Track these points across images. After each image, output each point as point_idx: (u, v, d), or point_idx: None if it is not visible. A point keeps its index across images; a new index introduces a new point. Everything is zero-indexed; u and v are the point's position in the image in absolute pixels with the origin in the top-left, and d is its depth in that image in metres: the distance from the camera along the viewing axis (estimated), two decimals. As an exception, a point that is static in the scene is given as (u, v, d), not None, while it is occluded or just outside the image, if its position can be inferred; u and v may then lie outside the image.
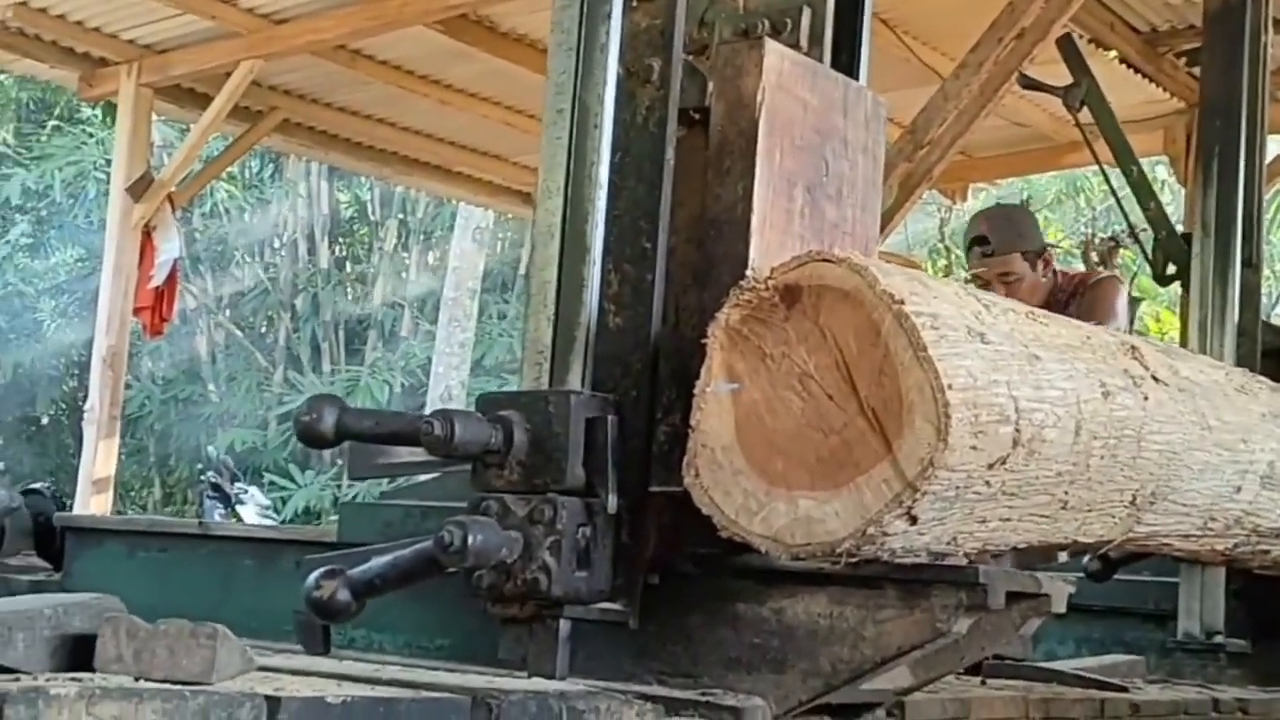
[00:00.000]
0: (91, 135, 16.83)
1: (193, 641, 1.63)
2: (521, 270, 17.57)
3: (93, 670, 1.65)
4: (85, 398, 8.05)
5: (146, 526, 3.61)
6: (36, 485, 3.63)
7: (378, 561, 2.17)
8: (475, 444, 2.17)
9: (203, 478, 14.26)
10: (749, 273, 2.26)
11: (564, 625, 2.21)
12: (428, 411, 2.23)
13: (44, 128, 17.76)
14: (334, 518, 14.43)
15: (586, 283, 2.32)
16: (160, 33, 7.56)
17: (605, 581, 2.22)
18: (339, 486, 15.59)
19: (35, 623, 1.63)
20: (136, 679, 1.61)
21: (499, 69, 7.63)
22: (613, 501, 2.21)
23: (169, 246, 7.84)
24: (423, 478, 2.83)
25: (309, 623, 2.25)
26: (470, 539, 2.06)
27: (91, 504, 7.46)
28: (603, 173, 2.35)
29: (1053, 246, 5.93)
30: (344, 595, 2.14)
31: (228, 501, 13.13)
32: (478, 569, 2.14)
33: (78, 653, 1.68)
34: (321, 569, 2.17)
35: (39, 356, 17.04)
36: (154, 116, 8.29)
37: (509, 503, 2.17)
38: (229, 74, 7.54)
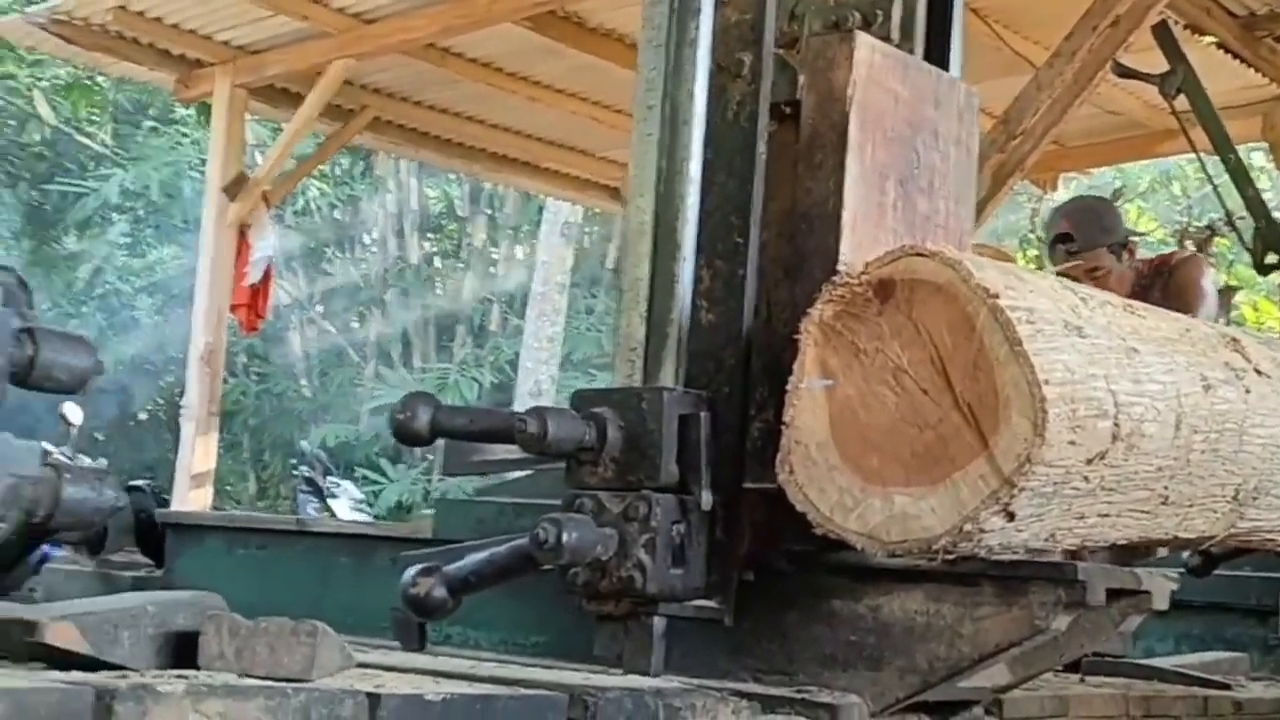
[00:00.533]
0: (186, 135, 17.08)
1: (293, 639, 1.65)
2: (609, 265, 17.60)
3: (196, 667, 1.67)
4: (182, 394, 8.15)
5: (246, 523, 3.66)
6: (138, 482, 3.69)
7: (473, 558, 2.19)
8: (569, 441, 2.17)
9: (296, 472, 14.43)
10: (841, 267, 2.25)
11: (659, 622, 2.22)
12: (516, 407, 2.24)
13: (140, 128, 18.04)
14: (426, 511, 14.54)
15: (678, 279, 2.32)
16: (254, 34, 7.65)
17: (700, 578, 2.22)
18: (430, 481, 15.72)
19: (140, 620, 1.66)
20: (240, 676, 1.63)
21: (587, 64, 7.65)
22: (707, 498, 2.21)
23: (263, 245, 7.93)
24: (516, 475, 2.85)
25: (405, 620, 2.27)
26: (565, 536, 2.07)
27: (190, 499, 7.57)
28: (694, 169, 2.34)
29: (1139, 236, 5.82)
30: (440, 592, 2.15)
31: (321, 495, 13.27)
32: (573, 566, 2.14)
33: (181, 650, 1.71)
34: (418, 566, 2.19)
35: (137, 353, 17.33)
36: (247, 116, 8.39)
37: (603, 500, 2.18)
38: (320, 73, 7.61)
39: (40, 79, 17.29)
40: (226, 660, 1.65)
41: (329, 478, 13.61)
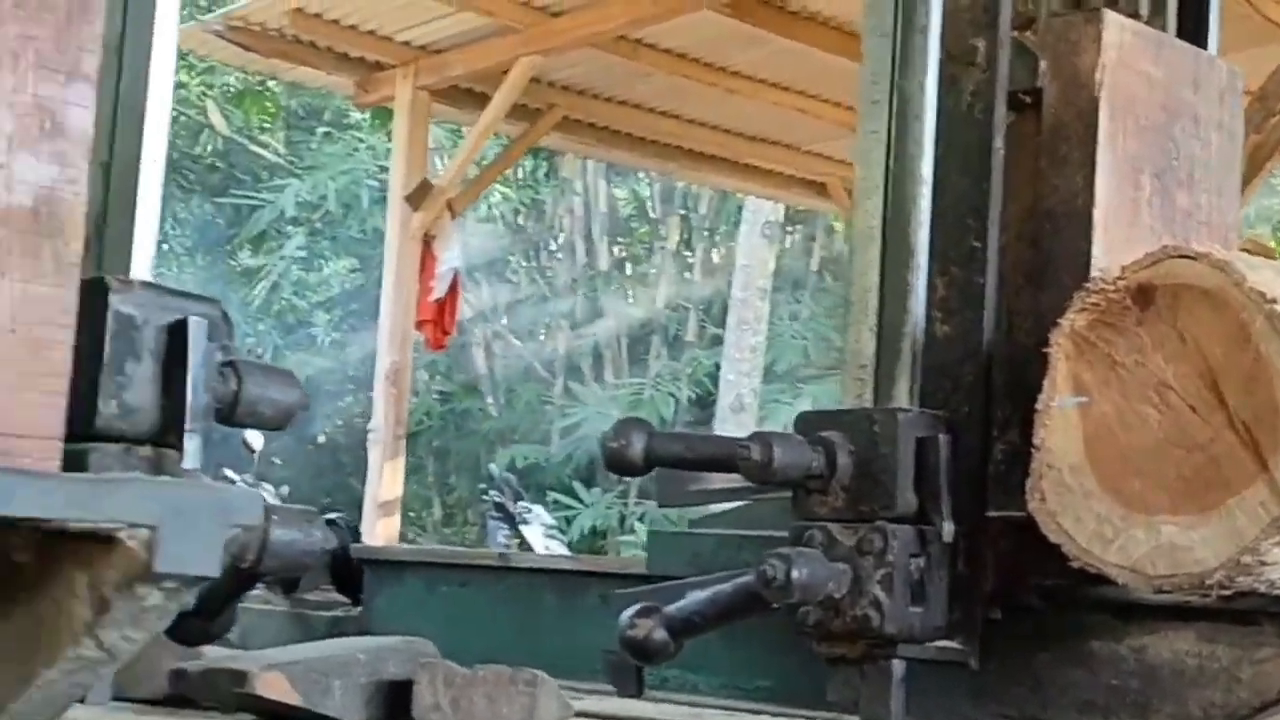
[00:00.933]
0: (362, 141, 17.48)
1: (512, 688, 1.67)
2: (814, 267, 17.53)
3: (410, 719, 1.70)
4: (362, 415, 8.31)
5: (445, 558, 3.72)
6: (332, 515, 3.78)
7: (695, 597, 2.19)
8: (796, 469, 2.17)
9: (485, 497, 14.61)
10: (1094, 272, 2.22)
11: (898, 665, 2.20)
12: (718, 424, 2.25)
13: (313, 135, 18.51)
14: (621, 538, 14.60)
15: (911, 288, 2.30)
16: (435, 33, 7.80)
17: (941, 617, 2.20)
18: (625, 505, 15.81)
19: (351, 669, 1.70)
20: (456, 728, 1.66)
21: (789, 51, 7.64)
22: (948, 529, 2.19)
23: (449, 256, 8.05)
24: (730, 505, 2.85)
25: (621, 663, 2.28)
26: (795, 573, 2.06)
27: (378, 528, 7.72)
28: (925, 167, 2.32)
29: None
30: (661, 634, 2.16)
31: (512, 522, 13.39)
32: (803, 605, 2.14)
33: (393, 699, 1.74)
34: (636, 606, 2.20)
35: (315, 373, 17.76)
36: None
37: (834, 532, 2.17)
38: (506, 72, 7.72)
39: (211, 87, 17.88)
40: (442, 711, 1.67)
41: (519, 503, 13.75)
